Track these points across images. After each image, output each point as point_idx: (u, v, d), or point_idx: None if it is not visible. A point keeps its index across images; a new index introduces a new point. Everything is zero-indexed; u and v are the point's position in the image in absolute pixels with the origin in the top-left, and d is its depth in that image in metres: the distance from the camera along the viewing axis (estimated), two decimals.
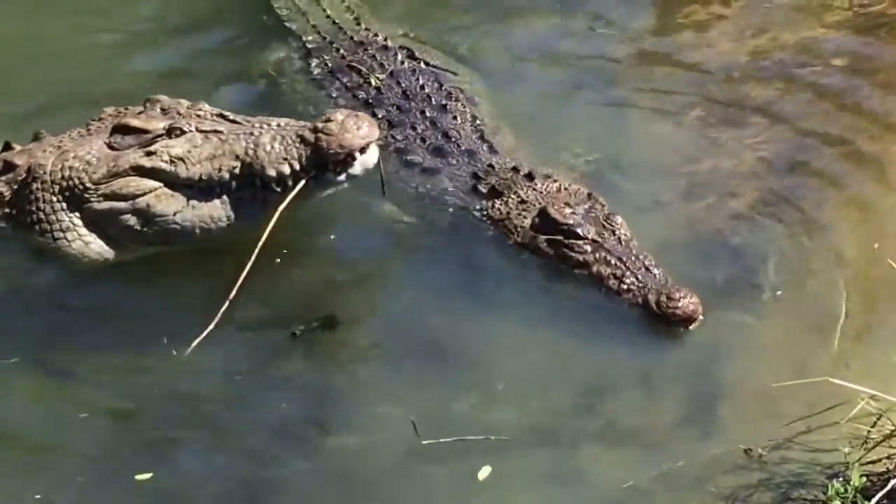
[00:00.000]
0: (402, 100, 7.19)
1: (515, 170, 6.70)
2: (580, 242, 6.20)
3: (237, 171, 6.05)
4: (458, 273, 6.46)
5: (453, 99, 7.23)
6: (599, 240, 6.21)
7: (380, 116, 7.02)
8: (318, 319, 6.14)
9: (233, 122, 6.28)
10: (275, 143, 6.01)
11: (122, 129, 6.22)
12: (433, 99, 7.20)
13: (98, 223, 6.18)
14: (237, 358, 6.02)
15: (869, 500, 4.93)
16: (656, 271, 6.07)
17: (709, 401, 5.60)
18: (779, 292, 6.24)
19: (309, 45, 7.82)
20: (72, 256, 6.21)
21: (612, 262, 6.12)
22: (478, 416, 5.65)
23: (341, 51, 7.65)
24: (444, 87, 7.34)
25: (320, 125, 5.97)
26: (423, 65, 7.54)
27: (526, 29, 8.66)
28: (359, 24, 8.02)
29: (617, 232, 6.26)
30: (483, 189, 6.62)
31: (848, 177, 7.12)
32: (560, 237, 6.25)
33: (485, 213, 6.55)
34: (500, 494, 5.37)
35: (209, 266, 6.30)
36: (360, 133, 5.95)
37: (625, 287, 6.03)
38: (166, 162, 6.10)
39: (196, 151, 6.12)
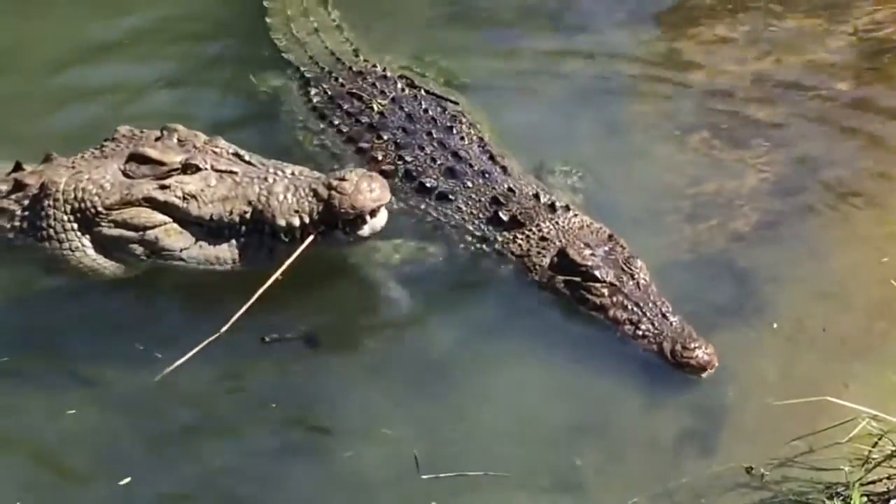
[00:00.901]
0: (407, 122, 7.13)
1: (537, 197, 6.61)
2: (598, 285, 6.12)
3: (248, 216, 6.06)
4: (474, 306, 6.41)
5: (458, 121, 7.19)
6: (617, 283, 6.13)
7: (385, 139, 7.00)
8: (295, 333, 6.16)
9: (248, 163, 6.26)
10: (288, 193, 6.02)
11: (137, 158, 6.20)
12: (438, 121, 7.15)
13: (105, 246, 6.20)
14: (230, 369, 6.05)
15: None
16: (673, 318, 6.00)
17: (712, 419, 5.62)
18: (781, 313, 6.27)
19: (307, 75, 7.78)
20: (80, 270, 6.23)
21: (629, 306, 6.04)
22: (479, 449, 5.62)
23: (340, 79, 7.61)
24: (447, 111, 7.30)
25: (334, 182, 5.96)
26: (423, 92, 7.48)
27: (527, 54, 8.72)
28: (357, 55, 8.00)
29: (636, 276, 6.18)
30: (504, 217, 6.50)
31: (851, 200, 7.15)
32: (578, 279, 6.18)
33: (506, 247, 6.45)
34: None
35: (213, 282, 6.32)
36: (372, 196, 5.96)
37: (640, 333, 5.96)
38: (179, 198, 6.10)
39: (209, 191, 6.12)
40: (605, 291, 6.11)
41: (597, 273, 6.13)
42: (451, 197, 6.66)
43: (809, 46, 8.64)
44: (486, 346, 6.13)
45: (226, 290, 6.17)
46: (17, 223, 6.26)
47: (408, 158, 6.87)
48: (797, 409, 5.42)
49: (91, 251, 6.19)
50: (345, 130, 7.16)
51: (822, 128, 7.83)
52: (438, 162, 6.84)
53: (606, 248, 6.30)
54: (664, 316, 6.00)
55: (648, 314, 6.00)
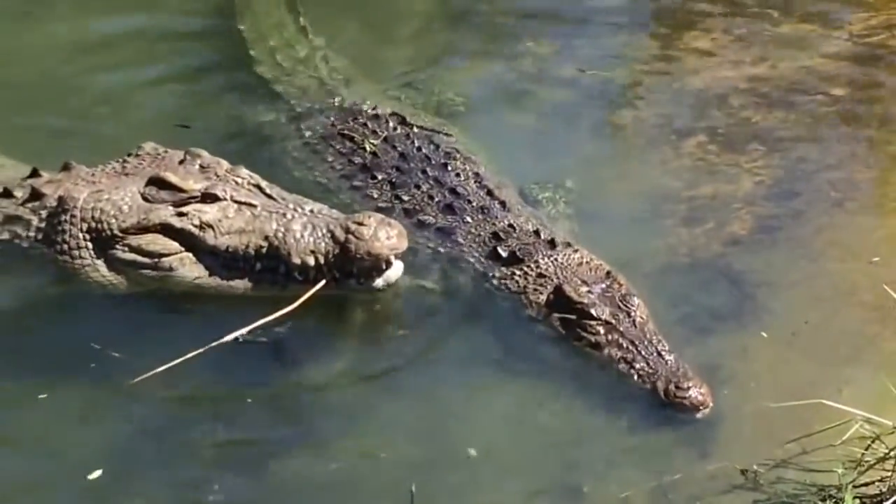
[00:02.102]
0: (401, 161, 7.00)
1: (537, 233, 6.52)
2: (593, 323, 6.03)
3: (263, 251, 6.00)
4: (470, 342, 6.28)
5: (452, 158, 7.05)
6: (613, 321, 6.03)
7: (380, 178, 6.89)
8: (269, 338, 6.08)
9: (268, 196, 6.21)
10: (305, 231, 5.97)
11: (158, 182, 6.13)
12: (432, 159, 7.03)
13: (118, 267, 6.16)
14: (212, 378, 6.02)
15: None
16: (668, 357, 5.90)
17: (707, 421, 5.67)
18: (776, 316, 6.31)
19: (298, 109, 7.68)
20: (91, 284, 6.19)
21: (625, 345, 5.95)
22: (472, 486, 5.54)
23: (331, 119, 7.47)
24: (440, 148, 7.15)
25: (352, 226, 5.92)
26: (415, 129, 7.33)
27: (523, 59, 8.77)
28: (348, 86, 7.94)
29: (632, 314, 6.07)
30: (503, 253, 6.39)
31: (845, 204, 7.20)
32: (573, 316, 6.08)
33: (503, 283, 6.35)
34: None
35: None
36: (389, 243, 5.92)
37: (634, 372, 5.87)
38: (196, 226, 6.05)
39: (227, 222, 6.07)
40: (601, 329, 6.02)
41: (592, 311, 6.04)
42: (449, 232, 6.59)
43: (805, 52, 8.70)
44: (482, 380, 6.05)
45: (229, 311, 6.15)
46: (32, 233, 6.20)
47: (404, 198, 6.78)
48: (792, 411, 5.46)
49: (104, 269, 6.13)
50: (338, 168, 7.07)
51: (818, 132, 7.88)
52: (436, 199, 6.76)
53: (603, 286, 6.21)
54: (660, 354, 5.91)
55: (644, 353, 5.92)
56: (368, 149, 7.12)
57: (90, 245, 6.10)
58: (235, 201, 6.14)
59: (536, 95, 8.29)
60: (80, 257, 6.12)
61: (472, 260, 6.49)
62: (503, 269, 6.38)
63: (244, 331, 5.95)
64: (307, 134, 7.39)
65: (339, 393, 5.99)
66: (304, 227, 6.00)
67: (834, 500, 5.14)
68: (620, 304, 6.12)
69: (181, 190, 6.12)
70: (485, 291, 6.38)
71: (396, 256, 6.05)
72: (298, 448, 5.70)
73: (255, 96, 8.05)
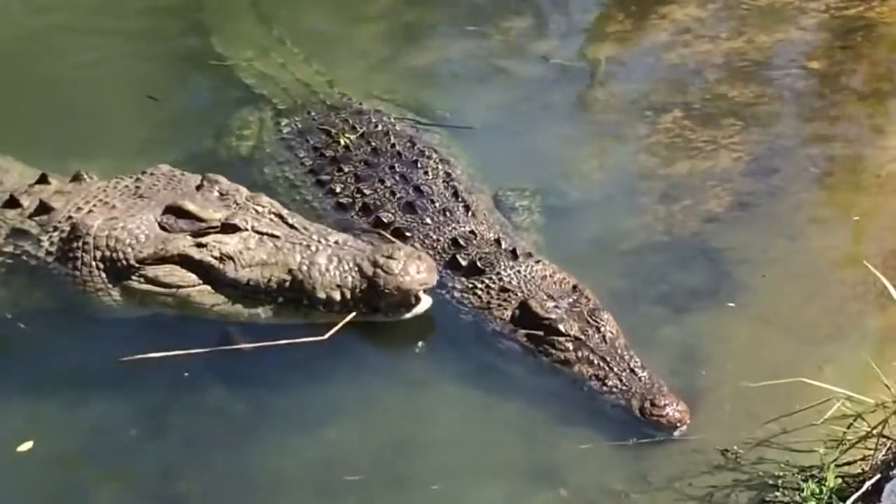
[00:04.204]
0: (371, 156, 6.83)
1: (498, 243, 6.28)
2: (562, 339, 5.80)
3: (287, 284, 5.79)
4: (430, 360, 6.04)
5: (425, 156, 6.86)
6: (582, 337, 5.80)
7: (346, 171, 6.71)
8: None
9: (290, 226, 5.99)
10: (331, 265, 5.77)
11: (175, 211, 5.91)
12: (403, 155, 6.84)
13: (133, 295, 5.94)
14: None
15: (844, 501, 4.92)
16: (642, 373, 5.67)
17: (686, 402, 5.59)
18: (754, 294, 6.24)
19: (280, 107, 7.57)
20: (102, 308, 5.96)
21: (595, 361, 5.72)
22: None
23: (312, 113, 7.36)
24: (416, 146, 6.97)
25: (381, 259, 5.75)
26: (396, 127, 7.19)
27: (496, 37, 8.70)
28: (332, 86, 7.79)
29: (602, 329, 5.84)
30: (463, 261, 6.15)
31: (823, 179, 7.17)
32: (541, 332, 5.85)
33: (465, 296, 6.09)
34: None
35: None
36: (419, 278, 5.75)
37: (607, 388, 5.64)
38: (216, 258, 5.83)
39: (248, 254, 5.85)
40: (570, 346, 5.78)
41: (560, 326, 5.81)
42: (407, 234, 6.32)
43: (781, 25, 8.68)
44: (443, 399, 5.83)
45: None
46: (41, 254, 5.93)
47: (366, 191, 6.58)
48: (772, 391, 5.38)
49: (116, 294, 5.90)
50: (308, 163, 6.89)
51: (795, 107, 7.87)
52: (398, 196, 6.54)
53: (570, 300, 5.98)
54: (632, 371, 5.68)
55: (616, 369, 5.69)
56: (343, 142, 6.97)
57: (104, 274, 5.87)
58: (257, 231, 5.92)
59: (508, 73, 8.23)
60: (94, 284, 5.88)
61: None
62: (463, 280, 6.15)
63: (254, 346, 5.79)
64: (286, 131, 7.26)
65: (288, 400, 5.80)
66: (330, 260, 5.81)
67: (816, 480, 5.08)
68: (589, 318, 5.89)
69: (200, 219, 5.90)
70: (444, 303, 6.10)
71: (425, 291, 5.87)
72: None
73: (238, 102, 7.89)
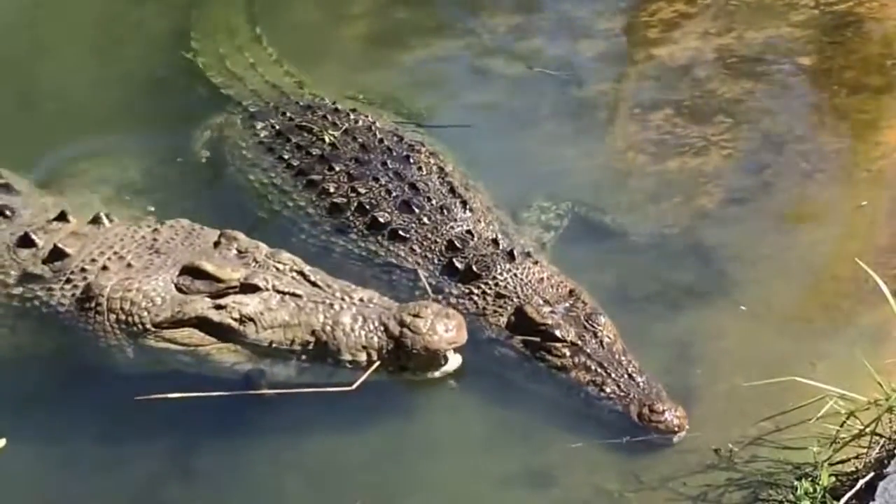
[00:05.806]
0: (361, 153, 6.69)
1: (495, 243, 6.19)
2: (558, 345, 5.74)
3: (310, 346, 5.60)
4: None
5: (415, 151, 6.74)
6: (579, 343, 5.74)
7: (337, 170, 6.55)
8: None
9: (313, 284, 5.79)
10: (356, 325, 5.58)
11: (192, 271, 5.73)
12: (394, 151, 6.71)
13: (149, 353, 5.76)
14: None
15: (838, 499, 4.91)
16: (640, 379, 5.62)
17: (679, 400, 5.56)
18: (747, 292, 6.22)
19: (251, 109, 7.36)
20: (115, 365, 5.78)
21: (593, 367, 5.66)
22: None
23: (288, 114, 7.18)
24: (404, 140, 6.86)
25: (407, 318, 5.56)
26: (377, 123, 7.03)
27: (484, 34, 8.67)
28: (301, 88, 7.66)
29: (599, 334, 5.78)
30: (459, 265, 6.08)
31: (814, 175, 7.13)
32: (537, 338, 5.79)
33: (461, 301, 5.99)
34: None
35: None
36: (447, 336, 5.55)
37: (605, 395, 5.59)
38: (236, 320, 5.62)
39: (269, 315, 5.65)
40: (567, 352, 5.73)
41: (557, 332, 5.75)
42: (404, 235, 6.24)
43: (771, 21, 8.64)
44: (439, 406, 5.79)
45: None
46: (53, 304, 5.77)
47: (361, 191, 6.45)
48: (765, 389, 5.38)
49: (131, 352, 5.72)
50: (295, 164, 6.71)
51: (786, 103, 7.84)
52: (394, 194, 6.42)
53: (567, 305, 5.92)
54: (630, 376, 5.63)
55: (613, 375, 5.64)
56: (328, 140, 6.84)
57: (119, 334, 5.69)
58: (278, 291, 5.72)
59: (496, 72, 8.19)
60: (108, 342, 5.70)
61: (424, 274, 6.14)
62: (460, 286, 6.07)
63: (277, 392, 5.63)
64: (263, 134, 7.07)
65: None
66: (355, 320, 5.61)
67: (810, 479, 5.07)
68: (586, 323, 5.83)
69: (218, 280, 5.70)
70: None
71: (455, 350, 5.71)
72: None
73: (205, 106, 7.75)
